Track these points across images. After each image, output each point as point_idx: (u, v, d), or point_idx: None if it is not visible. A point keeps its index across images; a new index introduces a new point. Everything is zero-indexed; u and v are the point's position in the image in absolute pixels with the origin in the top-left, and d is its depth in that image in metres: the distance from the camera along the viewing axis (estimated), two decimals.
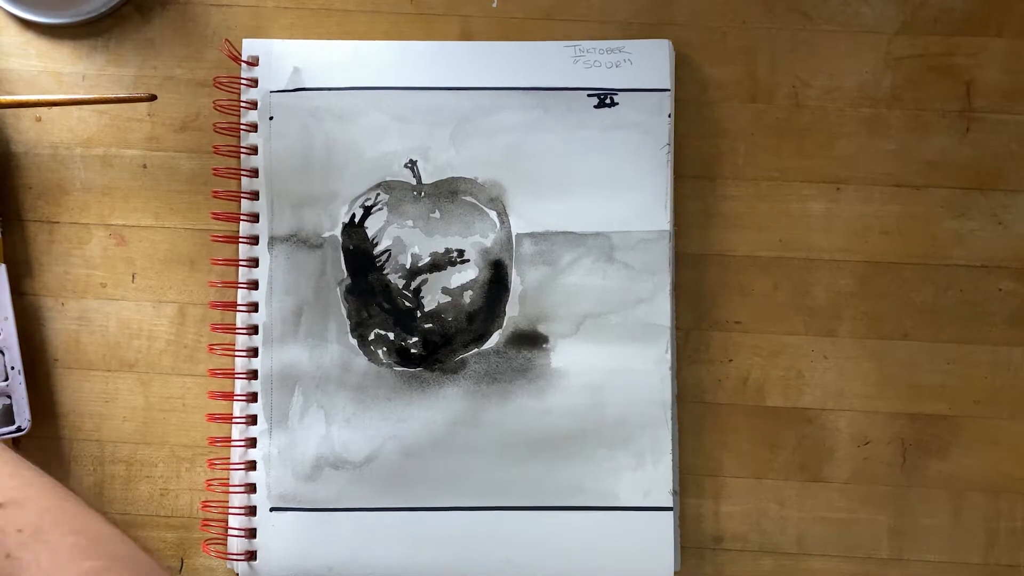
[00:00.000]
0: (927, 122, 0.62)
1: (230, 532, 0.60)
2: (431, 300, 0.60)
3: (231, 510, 0.60)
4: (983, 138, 0.62)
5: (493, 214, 0.61)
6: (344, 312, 0.60)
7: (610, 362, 0.60)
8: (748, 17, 0.63)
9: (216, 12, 0.63)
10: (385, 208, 0.61)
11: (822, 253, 0.62)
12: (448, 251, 0.60)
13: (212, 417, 0.61)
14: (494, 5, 0.63)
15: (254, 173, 0.61)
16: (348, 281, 0.60)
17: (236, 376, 0.61)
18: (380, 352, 0.60)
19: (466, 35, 0.62)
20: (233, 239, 0.61)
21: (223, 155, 0.61)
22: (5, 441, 0.60)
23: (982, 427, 0.61)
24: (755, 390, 0.61)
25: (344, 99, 0.61)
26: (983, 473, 0.61)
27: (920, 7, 0.62)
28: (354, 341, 0.60)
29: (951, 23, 0.62)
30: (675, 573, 0.60)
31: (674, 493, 0.60)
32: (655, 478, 0.60)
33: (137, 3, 0.62)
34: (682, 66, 0.62)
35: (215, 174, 0.61)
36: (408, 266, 0.60)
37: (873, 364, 0.61)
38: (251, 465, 0.60)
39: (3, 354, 0.60)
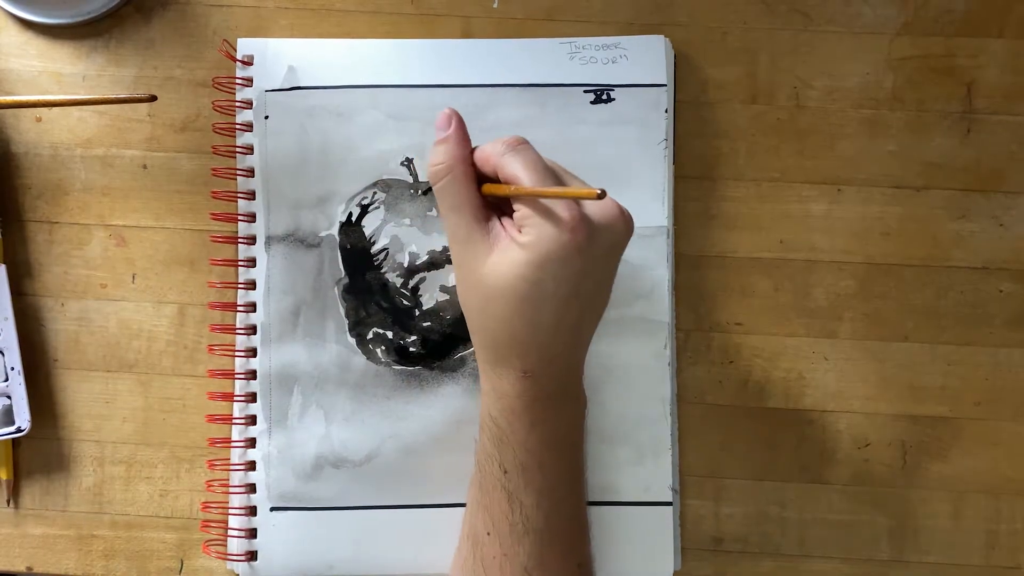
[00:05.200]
0: (928, 123, 0.62)
1: (230, 532, 0.60)
2: (429, 298, 0.60)
3: (231, 510, 0.60)
4: (984, 139, 0.62)
5: None
6: (342, 311, 0.60)
7: (609, 358, 0.60)
8: (748, 17, 0.63)
9: (216, 12, 0.63)
10: (382, 206, 0.61)
11: (823, 254, 0.61)
12: (446, 249, 0.60)
13: (212, 418, 0.61)
14: (495, 6, 0.63)
15: (251, 173, 0.61)
16: (346, 280, 0.60)
17: (235, 376, 0.60)
18: (379, 351, 0.60)
19: (467, 36, 0.62)
20: (233, 239, 0.61)
21: (222, 155, 0.61)
22: (5, 441, 0.60)
23: (982, 429, 0.61)
24: (756, 391, 0.61)
25: (340, 97, 0.61)
26: (983, 475, 0.60)
27: (921, 8, 0.62)
28: (352, 340, 0.60)
29: (952, 24, 0.62)
30: (675, 573, 0.60)
31: (674, 491, 0.59)
32: (655, 473, 0.59)
33: (137, 3, 0.63)
34: (682, 66, 0.62)
35: (214, 174, 0.61)
36: (406, 264, 0.60)
37: (873, 366, 0.61)
38: (251, 465, 0.60)
39: (3, 354, 0.60)
